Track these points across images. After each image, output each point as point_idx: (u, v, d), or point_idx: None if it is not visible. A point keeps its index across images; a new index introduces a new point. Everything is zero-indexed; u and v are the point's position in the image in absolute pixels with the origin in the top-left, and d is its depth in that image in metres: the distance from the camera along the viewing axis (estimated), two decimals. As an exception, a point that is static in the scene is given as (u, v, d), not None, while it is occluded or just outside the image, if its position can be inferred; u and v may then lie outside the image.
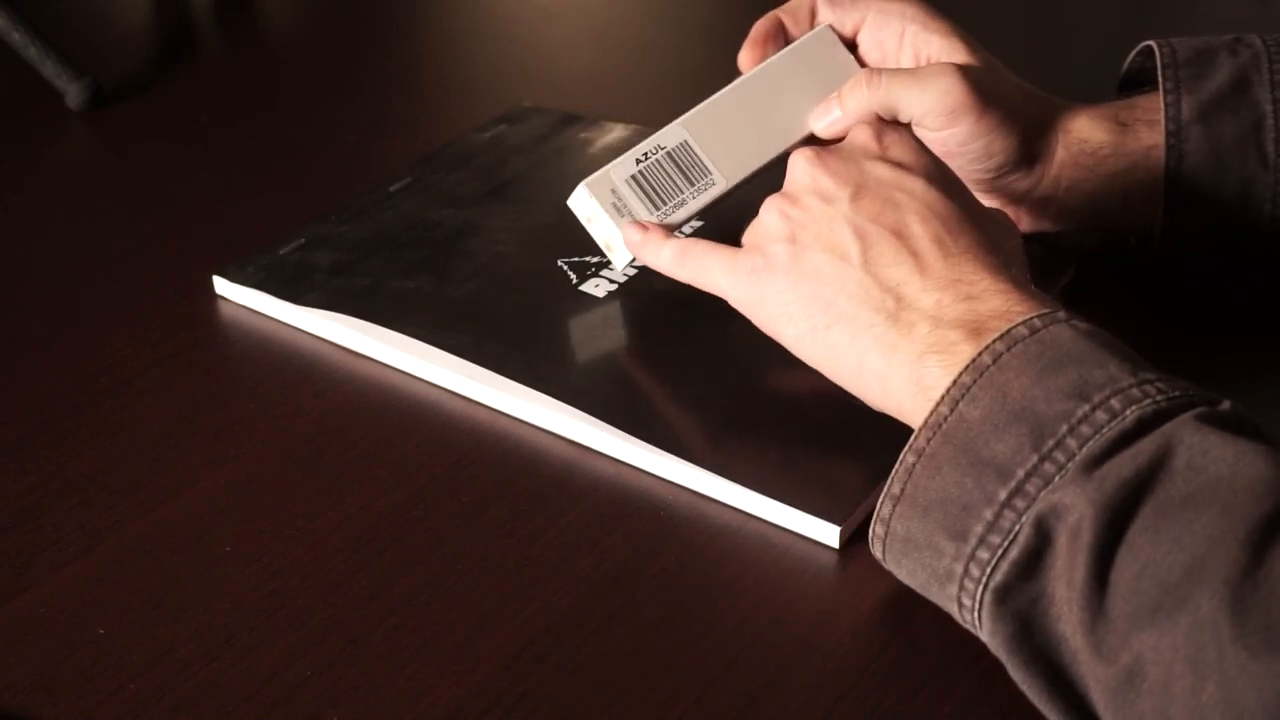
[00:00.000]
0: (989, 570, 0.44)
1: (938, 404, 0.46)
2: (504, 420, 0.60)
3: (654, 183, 0.62)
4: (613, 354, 0.63)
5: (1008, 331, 0.47)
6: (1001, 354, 0.46)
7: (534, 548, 0.53)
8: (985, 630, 0.45)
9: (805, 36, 0.66)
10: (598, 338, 0.64)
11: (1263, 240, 0.65)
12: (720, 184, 0.62)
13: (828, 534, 0.53)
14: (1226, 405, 0.44)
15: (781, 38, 0.67)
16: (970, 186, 0.67)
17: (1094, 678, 0.41)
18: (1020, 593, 0.43)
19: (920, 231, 0.52)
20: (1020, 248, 0.56)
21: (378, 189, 0.77)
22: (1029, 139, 0.65)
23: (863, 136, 0.57)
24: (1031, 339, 0.46)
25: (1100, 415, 0.43)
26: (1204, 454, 0.41)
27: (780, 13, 0.67)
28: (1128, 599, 0.40)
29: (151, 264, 0.73)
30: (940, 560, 0.46)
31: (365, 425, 0.60)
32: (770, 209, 0.56)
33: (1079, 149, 0.66)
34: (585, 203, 0.62)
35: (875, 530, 0.48)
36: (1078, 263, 0.69)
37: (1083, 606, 0.41)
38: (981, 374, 0.46)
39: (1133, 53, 0.70)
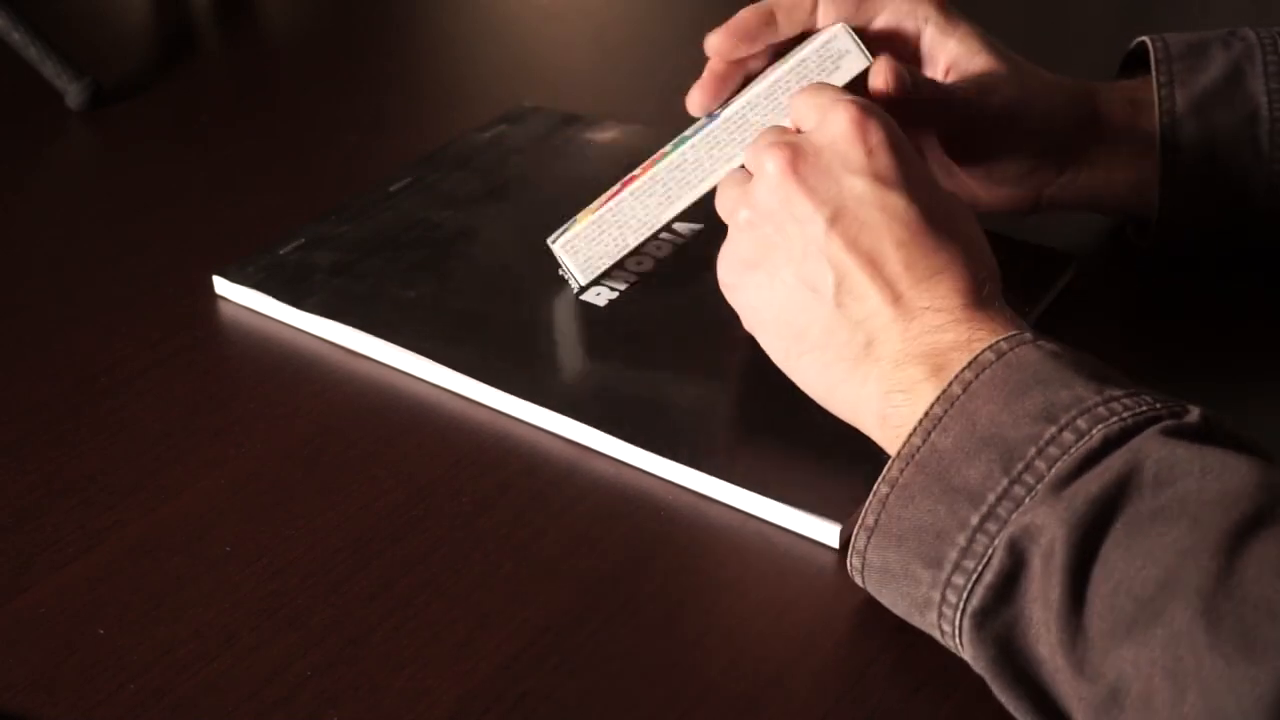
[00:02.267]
0: (965, 595, 0.44)
1: (910, 435, 0.46)
2: (504, 420, 0.60)
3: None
4: (614, 361, 0.63)
5: (976, 358, 0.47)
6: (970, 382, 0.46)
7: (534, 548, 0.53)
8: (967, 654, 0.45)
9: (813, 44, 0.60)
10: (599, 346, 0.64)
11: (1258, 231, 0.66)
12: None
13: (828, 534, 0.53)
14: (1194, 415, 0.44)
15: (767, 35, 0.62)
16: (999, 181, 0.67)
17: (1077, 696, 0.41)
18: (998, 616, 0.43)
19: (894, 256, 0.51)
20: (985, 243, 0.54)
21: (378, 189, 0.77)
22: (1054, 134, 0.65)
23: (844, 138, 0.52)
24: (999, 363, 0.46)
25: (1067, 436, 0.43)
26: (1171, 468, 0.41)
27: (773, 4, 0.63)
28: (1104, 616, 0.40)
29: (151, 264, 0.73)
30: (918, 589, 0.46)
31: (365, 425, 0.60)
32: (741, 227, 0.54)
33: (1100, 134, 0.66)
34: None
35: (852, 562, 0.48)
36: (1077, 262, 0.69)
37: (1061, 627, 0.41)
38: (952, 404, 0.46)
39: (1129, 49, 0.70)
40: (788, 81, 0.59)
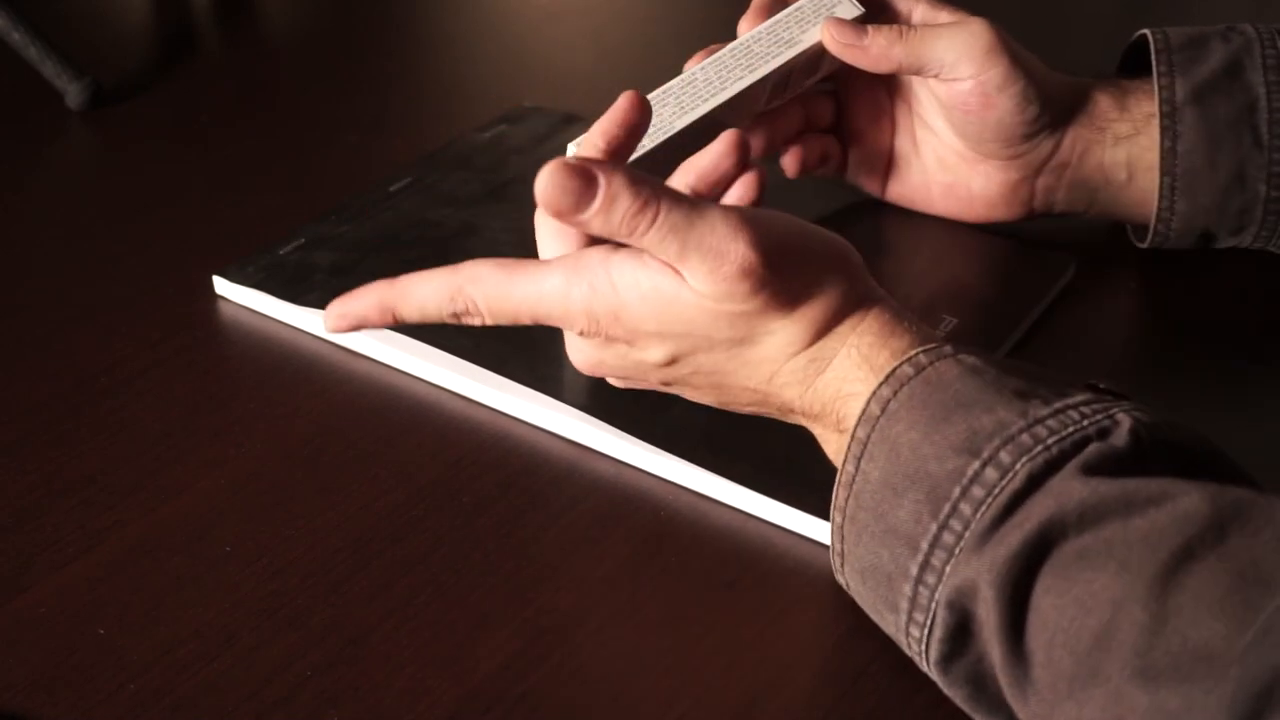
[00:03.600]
0: (924, 646, 0.44)
1: (844, 460, 0.47)
2: (504, 420, 0.60)
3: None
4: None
5: (893, 371, 0.46)
6: (888, 400, 0.46)
7: (534, 548, 0.53)
8: (945, 690, 0.45)
9: None
10: None
11: (1257, 221, 0.66)
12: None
13: (828, 534, 0.53)
14: (1123, 431, 0.42)
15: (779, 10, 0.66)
16: (1002, 148, 0.67)
17: None
18: (961, 659, 0.43)
19: (726, 385, 0.51)
20: (836, 251, 0.51)
21: (378, 189, 0.77)
22: (1054, 108, 0.66)
23: (600, 344, 0.51)
24: (917, 379, 0.46)
25: (990, 473, 0.42)
26: (1095, 506, 0.40)
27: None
28: (1046, 668, 0.40)
29: (151, 264, 0.73)
30: (887, 626, 0.46)
31: (365, 425, 0.60)
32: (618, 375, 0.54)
33: (1091, 109, 0.67)
34: None
35: (839, 581, 0.49)
36: (1077, 262, 0.69)
37: (1009, 682, 0.41)
38: (873, 427, 0.46)
39: (1129, 42, 0.70)
40: (788, 21, 0.65)
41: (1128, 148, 0.66)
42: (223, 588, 0.52)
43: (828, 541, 0.53)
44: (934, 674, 0.44)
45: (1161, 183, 0.65)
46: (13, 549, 0.54)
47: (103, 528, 0.55)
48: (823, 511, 0.53)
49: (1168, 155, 0.65)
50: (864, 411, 0.46)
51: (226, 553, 0.53)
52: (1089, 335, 0.66)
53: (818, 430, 0.51)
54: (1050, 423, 0.43)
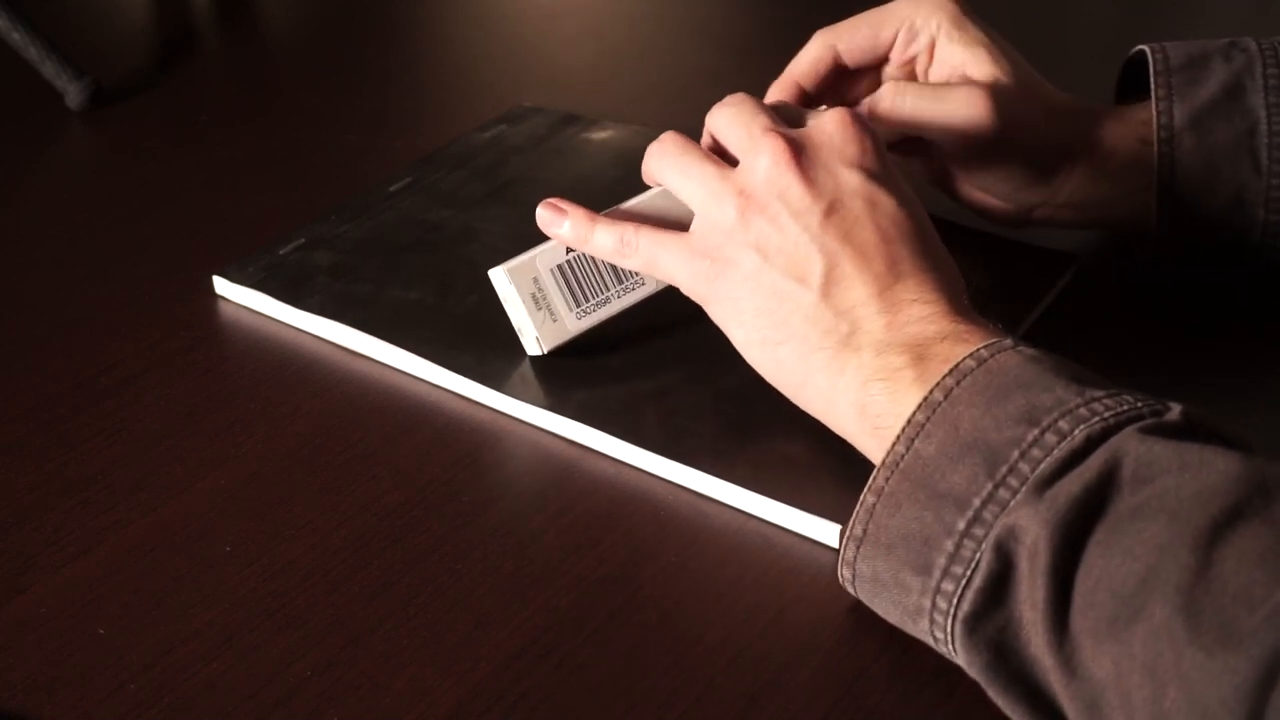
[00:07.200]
0: (955, 601, 0.44)
1: (894, 443, 0.47)
2: (504, 420, 0.60)
3: (581, 275, 0.61)
4: (613, 361, 0.63)
5: (956, 366, 0.47)
6: (952, 389, 0.46)
7: (534, 548, 0.53)
8: (961, 660, 0.45)
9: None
10: (598, 346, 0.63)
11: (1255, 246, 0.65)
12: (651, 284, 0.61)
13: (828, 534, 0.53)
14: (1175, 413, 0.44)
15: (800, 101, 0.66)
16: (984, 195, 0.68)
17: (1068, 696, 0.41)
18: (989, 620, 0.43)
19: (882, 252, 0.52)
20: (954, 262, 0.55)
21: (378, 189, 0.77)
22: (1051, 157, 0.65)
23: (840, 134, 0.54)
24: (979, 370, 0.47)
25: (1049, 437, 0.43)
26: (1149, 464, 0.41)
27: (795, 77, 0.66)
28: (1086, 614, 0.40)
29: (151, 264, 0.73)
30: (908, 597, 0.46)
31: (365, 425, 0.60)
32: (729, 205, 0.54)
33: (1104, 162, 0.66)
34: (503, 286, 0.61)
35: (843, 572, 0.49)
36: (1078, 263, 0.69)
37: (1047, 627, 0.41)
38: (935, 410, 0.46)
39: (1127, 57, 0.70)
40: None
41: (1142, 197, 0.66)
42: (223, 588, 0.52)
43: (827, 541, 0.53)
44: (957, 639, 0.44)
45: (1158, 208, 0.65)
46: (13, 549, 0.54)
47: (103, 528, 0.55)
48: (822, 511, 0.53)
49: (1165, 181, 0.64)
50: (926, 398, 0.47)
51: (226, 553, 0.53)
52: (1089, 335, 0.66)
53: (881, 361, 0.50)
54: (1107, 401, 0.44)
